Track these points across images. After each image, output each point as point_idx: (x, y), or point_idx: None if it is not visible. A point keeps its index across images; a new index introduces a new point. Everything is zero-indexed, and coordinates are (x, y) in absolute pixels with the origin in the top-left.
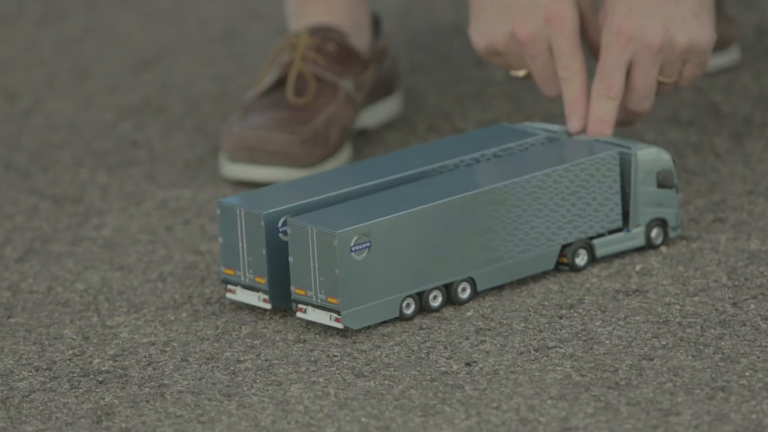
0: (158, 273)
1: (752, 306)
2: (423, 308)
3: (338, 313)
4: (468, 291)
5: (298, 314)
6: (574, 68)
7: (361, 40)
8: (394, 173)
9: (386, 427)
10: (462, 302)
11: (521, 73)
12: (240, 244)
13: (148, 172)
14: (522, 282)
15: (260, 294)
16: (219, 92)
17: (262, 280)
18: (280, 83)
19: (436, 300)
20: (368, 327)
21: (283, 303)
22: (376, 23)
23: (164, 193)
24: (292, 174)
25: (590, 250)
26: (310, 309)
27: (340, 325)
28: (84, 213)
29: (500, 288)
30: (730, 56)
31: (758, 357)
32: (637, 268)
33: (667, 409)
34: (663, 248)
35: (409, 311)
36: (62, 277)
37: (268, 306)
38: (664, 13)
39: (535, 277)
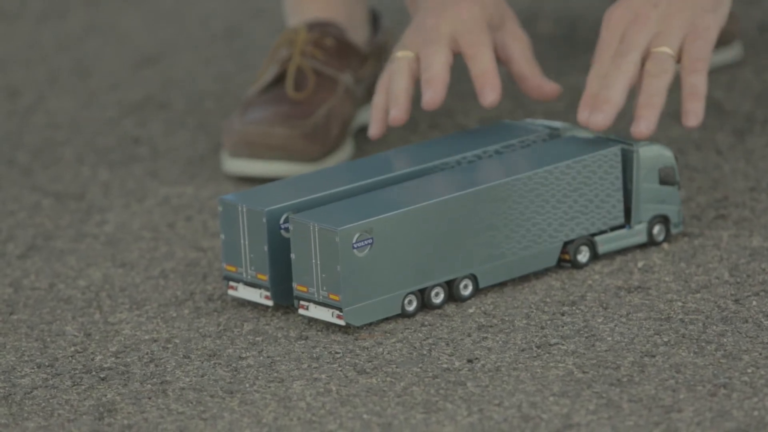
0: (160, 270)
1: (754, 303)
2: (425, 305)
3: (340, 309)
4: (470, 288)
5: (300, 311)
6: (480, 44)
7: (359, 35)
8: (396, 170)
9: (388, 424)
10: (464, 299)
11: (401, 54)
12: (242, 241)
13: (150, 168)
14: (524, 279)
15: (262, 291)
16: (221, 90)
17: (264, 277)
18: (279, 79)
19: (438, 297)
20: (370, 324)
21: (284, 300)
22: (375, 19)
23: (166, 190)
24: (293, 168)
25: (592, 247)
26: (311, 306)
27: (342, 322)
28: (86, 210)
29: (502, 285)
30: (732, 53)
31: (760, 354)
32: (639, 264)
33: (669, 406)
34: (665, 245)
35: (410, 308)
36: (64, 274)
37: (269, 303)
38: None
39: (537, 274)
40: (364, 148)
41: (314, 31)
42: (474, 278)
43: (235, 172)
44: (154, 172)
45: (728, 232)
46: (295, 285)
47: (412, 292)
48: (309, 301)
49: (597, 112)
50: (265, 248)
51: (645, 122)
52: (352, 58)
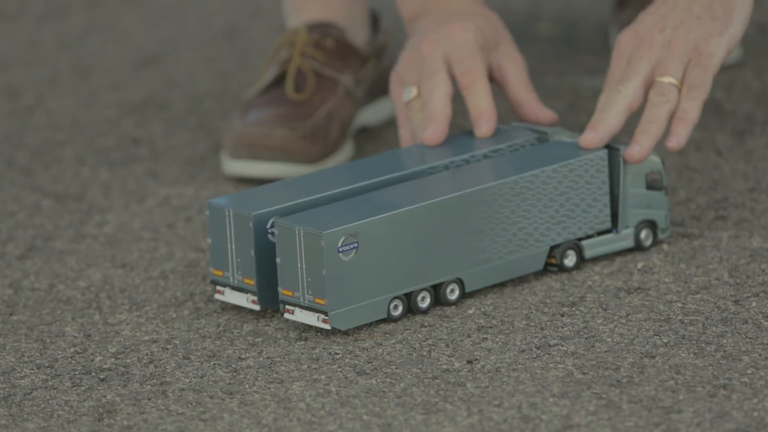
0: (160, 270)
1: (754, 303)
2: (411, 309)
3: (325, 314)
4: (456, 292)
5: (286, 315)
6: (475, 72)
7: (359, 36)
8: (385, 174)
9: (388, 425)
10: (450, 303)
11: (413, 92)
12: (229, 245)
13: (150, 169)
14: (523, 280)
15: (249, 295)
16: (221, 89)
17: (251, 282)
18: (279, 80)
19: (424, 301)
20: (369, 324)
21: (271, 304)
22: (375, 20)
23: (166, 191)
24: (293, 170)
25: (579, 251)
26: (297, 310)
27: (327, 326)
28: (86, 210)
29: (502, 286)
30: (732, 53)
31: (760, 355)
32: (639, 265)
33: (668, 407)
34: (665, 246)
35: (396, 312)
36: (64, 275)
37: (256, 307)
38: (664, 19)
39: (537, 275)
40: (363, 149)
41: (314, 32)
42: (461, 282)
43: (235, 173)
44: (154, 172)
45: (728, 232)
46: (280, 289)
47: (398, 297)
48: (294, 305)
49: (589, 132)
50: (252, 252)
51: (638, 147)
52: (352, 59)
